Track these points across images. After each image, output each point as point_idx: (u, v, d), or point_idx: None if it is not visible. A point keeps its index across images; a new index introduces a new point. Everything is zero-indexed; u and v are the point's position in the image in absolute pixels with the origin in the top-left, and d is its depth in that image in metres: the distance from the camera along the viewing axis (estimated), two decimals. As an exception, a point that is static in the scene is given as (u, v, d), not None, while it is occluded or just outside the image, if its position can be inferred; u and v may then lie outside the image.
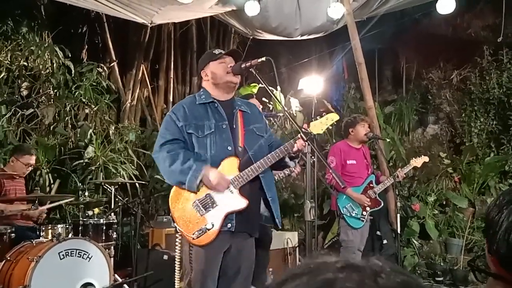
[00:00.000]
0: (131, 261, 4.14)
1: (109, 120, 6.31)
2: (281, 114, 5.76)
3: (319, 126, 2.33)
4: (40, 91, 5.76)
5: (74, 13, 6.39)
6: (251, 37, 6.27)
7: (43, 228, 3.52)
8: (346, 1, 5.22)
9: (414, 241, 5.21)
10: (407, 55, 8.01)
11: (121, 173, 5.59)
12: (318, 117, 2.39)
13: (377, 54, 7.88)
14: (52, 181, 5.21)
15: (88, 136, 5.72)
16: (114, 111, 6.70)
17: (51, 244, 3.18)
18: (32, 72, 5.77)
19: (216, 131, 2.30)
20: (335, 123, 2.48)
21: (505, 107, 6.27)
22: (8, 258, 3.21)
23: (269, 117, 5.15)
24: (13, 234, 3.41)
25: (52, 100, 5.78)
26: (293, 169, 4.36)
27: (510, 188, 1.28)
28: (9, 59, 5.54)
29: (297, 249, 4.69)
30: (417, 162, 4.25)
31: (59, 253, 3.18)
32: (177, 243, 2.36)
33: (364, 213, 4.05)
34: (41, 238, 3.44)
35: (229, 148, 2.30)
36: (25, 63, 5.70)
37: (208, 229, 2.19)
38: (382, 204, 4.21)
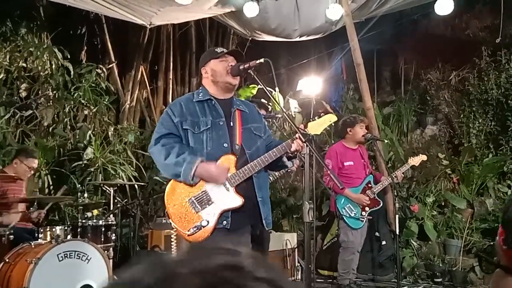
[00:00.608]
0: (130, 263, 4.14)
1: (108, 121, 6.31)
2: (280, 115, 5.77)
3: (317, 127, 2.34)
4: (39, 92, 5.76)
5: (73, 14, 6.39)
6: (250, 38, 6.28)
7: (42, 230, 3.51)
8: (344, 2, 5.23)
9: (413, 242, 5.21)
10: (405, 56, 8.02)
11: (120, 175, 5.59)
12: (316, 118, 2.40)
13: (376, 55, 7.89)
14: (51, 183, 5.21)
15: (87, 138, 5.72)
16: (113, 112, 6.70)
17: (50, 245, 3.17)
18: (31, 74, 5.77)
19: (213, 127, 2.31)
20: (333, 124, 2.48)
21: (503, 108, 6.28)
22: (7, 260, 3.21)
23: (268, 118, 5.16)
24: (11, 236, 3.41)
25: (51, 101, 5.78)
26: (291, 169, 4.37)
27: None
28: (8, 60, 5.54)
29: (296, 250, 4.69)
30: (415, 160, 4.26)
31: (57, 255, 3.18)
32: (173, 240, 2.37)
33: (363, 213, 4.06)
34: (39, 240, 3.43)
35: (225, 145, 2.30)
36: (24, 65, 5.70)
37: (203, 226, 2.20)
38: (381, 204, 4.22)
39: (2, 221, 3.62)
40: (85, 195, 4.12)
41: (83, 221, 3.78)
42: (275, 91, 2.39)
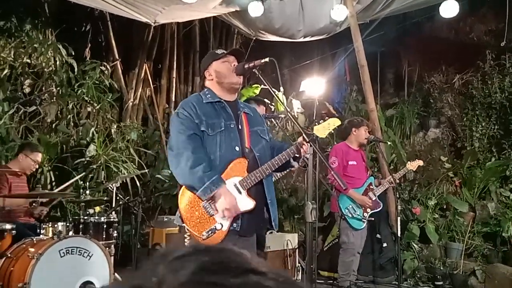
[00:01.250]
0: (131, 260, 4.15)
1: (111, 118, 6.32)
2: (282, 115, 5.77)
3: (322, 131, 2.34)
4: (43, 88, 5.78)
5: (78, 11, 6.41)
6: (254, 38, 6.28)
7: (44, 226, 3.52)
8: (349, 3, 5.23)
9: (414, 245, 5.20)
10: (409, 58, 8.01)
11: (123, 172, 5.60)
12: (321, 121, 2.40)
13: (379, 57, 7.88)
14: (53, 179, 5.22)
15: (90, 135, 5.73)
16: (116, 109, 6.71)
17: (52, 241, 3.18)
18: (35, 70, 5.79)
19: (226, 130, 2.29)
20: (337, 127, 2.49)
21: (507, 112, 6.27)
22: (9, 255, 3.21)
23: (270, 118, 5.15)
24: (14, 231, 3.42)
25: (54, 98, 5.79)
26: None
27: None
28: (12, 56, 5.56)
29: (297, 250, 4.70)
30: (413, 165, 4.28)
31: (59, 251, 3.18)
32: (186, 244, 2.36)
33: (365, 214, 4.07)
34: (41, 235, 3.44)
35: (237, 148, 2.29)
36: (28, 61, 5.71)
37: (218, 230, 2.20)
38: (382, 206, 4.23)
39: (4, 203, 3.65)
40: (87, 192, 4.13)
41: (85, 217, 3.78)
42: (279, 91, 2.37)
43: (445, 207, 5.63)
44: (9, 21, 5.73)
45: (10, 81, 5.56)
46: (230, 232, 2.22)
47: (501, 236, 5.09)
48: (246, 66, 2.32)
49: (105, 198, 4.78)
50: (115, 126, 6.22)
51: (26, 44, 5.73)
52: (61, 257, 3.19)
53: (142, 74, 7.16)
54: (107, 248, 3.56)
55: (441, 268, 4.94)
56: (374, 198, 4.13)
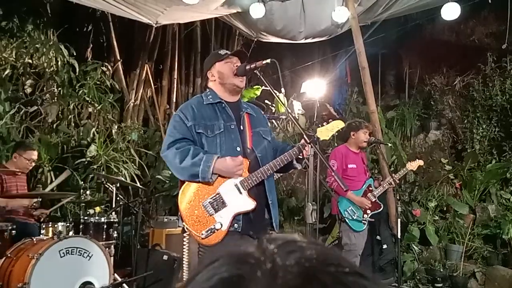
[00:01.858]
0: (130, 261, 4.14)
1: (112, 119, 6.33)
2: (283, 117, 5.77)
3: (325, 133, 2.34)
4: (44, 89, 5.79)
5: (79, 12, 6.43)
6: (255, 39, 6.28)
7: (44, 226, 3.52)
8: (351, 5, 5.23)
9: (414, 247, 5.20)
10: (410, 60, 8.01)
11: (123, 173, 5.60)
12: (324, 123, 2.40)
13: (380, 59, 7.89)
14: (54, 179, 5.23)
15: (91, 135, 5.74)
16: (117, 110, 6.72)
17: (52, 241, 3.18)
18: (37, 70, 5.80)
19: (225, 131, 2.30)
20: (341, 129, 2.49)
21: (507, 114, 6.27)
22: (9, 255, 3.21)
23: (271, 119, 5.15)
24: (14, 231, 3.42)
25: (55, 98, 5.80)
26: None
27: None
28: (14, 56, 5.57)
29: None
30: (413, 165, 4.28)
31: (59, 251, 3.18)
32: (185, 243, 2.36)
33: (365, 215, 4.07)
34: (41, 235, 3.45)
35: (238, 149, 2.30)
36: (30, 61, 5.72)
37: (217, 229, 2.21)
38: (382, 207, 4.22)
39: (7, 205, 3.65)
40: (88, 192, 4.13)
41: (85, 218, 3.78)
42: (280, 92, 2.38)
43: (445, 209, 5.63)
44: (11, 21, 5.75)
45: (11, 81, 5.57)
46: (230, 233, 2.22)
47: (501, 238, 5.09)
48: (247, 67, 2.33)
49: (106, 199, 4.79)
50: (116, 127, 6.23)
51: (27, 44, 5.74)
52: (61, 257, 3.19)
53: (143, 75, 7.17)
54: (107, 249, 3.56)
55: (441, 270, 4.94)
56: (374, 200, 4.13)
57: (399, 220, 3.93)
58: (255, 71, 2.33)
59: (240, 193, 2.25)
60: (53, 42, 6.02)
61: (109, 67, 6.75)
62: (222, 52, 2.43)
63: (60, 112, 5.81)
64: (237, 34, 7.66)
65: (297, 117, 6.45)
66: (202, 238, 2.20)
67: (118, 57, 6.95)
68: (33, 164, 4.15)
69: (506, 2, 5.24)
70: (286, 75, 8.02)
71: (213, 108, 2.36)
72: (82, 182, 5.15)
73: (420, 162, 4.31)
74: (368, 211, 4.08)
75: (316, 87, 6.86)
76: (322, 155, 2.24)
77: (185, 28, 7.41)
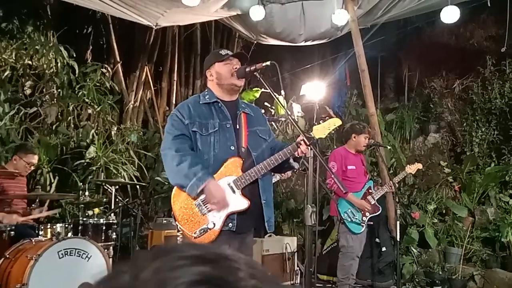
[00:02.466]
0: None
1: (111, 121, 6.33)
2: (283, 119, 5.78)
3: (321, 131, 2.34)
4: (44, 90, 5.79)
5: (79, 13, 6.43)
6: (255, 42, 6.29)
7: (43, 227, 3.52)
8: (350, 8, 5.24)
9: (413, 249, 5.20)
10: (409, 63, 8.03)
11: (122, 174, 5.60)
12: (321, 121, 2.40)
13: (380, 62, 7.90)
14: (53, 180, 5.22)
15: (90, 136, 5.74)
16: (116, 112, 6.72)
17: (51, 243, 3.18)
18: (36, 71, 5.80)
19: (220, 130, 2.31)
20: (337, 128, 2.48)
21: (506, 117, 6.29)
22: (7, 256, 3.21)
23: (271, 122, 5.15)
24: (12, 232, 3.41)
25: (55, 99, 5.80)
26: (283, 174, 4.38)
27: None
28: (13, 58, 5.57)
29: (296, 254, 4.69)
30: (411, 169, 4.29)
31: (58, 252, 3.18)
32: (178, 242, 2.36)
33: (364, 218, 4.07)
34: (40, 236, 3.44)
35: (232, 147, 2.31)
36: (30, 62, 5.73)
37: (210, 229, 2.21)
38: (381, 210, 4.22)
39: (3, 220, 3.62)
40: (87, 193, 4.13)
41: (84, 219, 3.78)
42: (280, 94, 2.38)
43: (444, 211, 5.64)
44: (11, 23, 5.76)
45: (11, 83, 5.57)
46: (224, 232, 2.22)
47: (500, 241, 5.09)
48: (247, 69, 2.34)
49: (105, 200, 4.79)
50: (115, 128, 6.22)
51: (27, 46, 5.74)
52: (60, 258, 3.18)
53: (143, 77, 7.18)
54: (106, 250, 3.55)
55: (440, 273, 4.93)
56: (373, 202, 4.13)
57: (398, 222, 3.93)
58: (255, 73, 2.33)
59: (234, 192, 2.25)
60: (53, 43, 6.03)
61: (109, 68, 6.75)
62: (223, 52, 2.44)
63: (59, 114, 5.80)
64: (237, 37, 7.67)
65: (296, 120, 6.46)
66: (195, 238, 2.20)
67: (118, 59, 6.95)
68: (32, 168, 4.14)
69: (505, 6, 5.26)
70: (285, 77, 8.03)
71: (209, 107, 2.37)
72: (81, 184, 5.15)
73: (419, 166, 4.33)
74: (367, 214, 4.08)
75: (315, 89, 6.87)
76: (321, 158, 2.24)
77: (185, 30, 7.43)
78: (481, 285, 4.79)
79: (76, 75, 6.12)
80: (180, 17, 5.51)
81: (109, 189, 4.56)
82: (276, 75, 2.30)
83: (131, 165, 5.88)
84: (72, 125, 5.87)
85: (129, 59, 7.23)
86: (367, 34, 5.88)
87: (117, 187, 4.58)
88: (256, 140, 2.40)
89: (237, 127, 2.36)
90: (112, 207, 4.37)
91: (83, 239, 3.40)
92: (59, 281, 3.16)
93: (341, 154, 4.19)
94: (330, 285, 4.47)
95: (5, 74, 5.44)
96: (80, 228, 3.70)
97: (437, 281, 4.83)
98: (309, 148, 2.20)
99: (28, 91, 5.77)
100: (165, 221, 4.89)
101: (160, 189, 5.95)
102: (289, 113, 2.48)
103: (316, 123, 2.39)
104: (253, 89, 6.65)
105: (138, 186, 5.71)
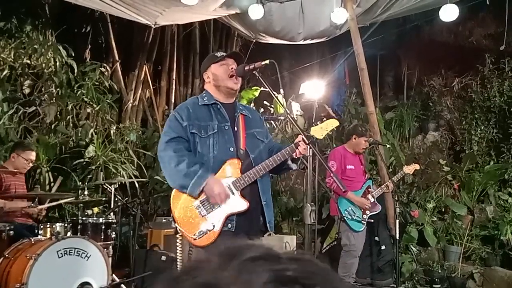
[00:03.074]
0: (129, 262, 4.14)
1: (110, 120, 6.32)
2: (282, 118, 5.78)
3: (319, 131, 2.34)
4: (43, 89, 5.78)
5: (78, 12, 6.42)
6: (254, 41, 6.28)
7: (42, 226, 3.52)
8: (349, 6, 5.24)
9: (412, 248, 5.21)
10: (408, 62, 8.03)
11: (121, 173, 5.60)
12: (318, 122, 2.40)
13: (379, 60, 7.90)
14: (52, 179, 5.22)
15: (89, 136, 5.73)
16: (115, 111, 6.70)
17: (50, 242, 3.18)
18: (35, 70, 5.79)
19: (219, 132, 2.32)
20: (335, 128, 2.48)
21: (505, 116, 6.29)
22: (6, 255, 3.21)
23: (270, 120, 5.15)
24: (11, 232, 3.41)
25: (54, 98, 5.79)
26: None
27: None
28: (12, 57, 5.56)
29: (295, 253, 4.69)
30: (409, 169, 4.31)
31: (57, 252, 3.18)
32: (178, 244, 2.36)
33: (365, 216, 4.08)
34: (39, 236, 3.44)
35: (231, 149, 2.31)
36: (28, 61, 5.71)
37: (209, 230, 2.21)
38: (381, 208, 4.24)
39: (4, 206, 3.64)
40: (86, 192, 4.12)
41: (83, 218, 3.78)
42: (279, 93, 2.38)
43: (443, 210, 5.64)
44: (9, 22, 5.73)
45: (10, 82, 5.55)
46: (224, 233, 2.22)
47: (499, 240, 5.10)
48: (246, 68, 2.34)
49: (104, 199, 4.78)
50: (114, 127, 6.21)
51: (26, 45, 5.73)
52: (59, 257, 3.18)
53: (142, 76, 7.16)
54: (105, 249, 3.55)
55: (439, 271, 4.94)
56: (372, 200, 4.15)
57: (397, 221, 3.94)
58: (254, 72, 2.33)
59: (233, 193, 2.25)
60: (52, 42, 6.01)
61: (108, 67, 6.74)
62: (218, 54, 2.45)
63: (58, 113, 5.79)
64: (235, 35, 7.66)
65: (295, 118, 6.45)
66: (195, 239, 2.20)
67: (117, 58, 6.94)
68: (31, 164, 4.14)
69: (504, 4, 5.26)
70: (285, 76, 8.02)
71: (208, 109, 2.37)
72: (80, 183, 5.14)
73: (416, 166, 4.35)
74: (367, 212, 4.10)
75: (314, 88, 6.87)
76: (321, 156, 2.24)
77: (183, 29, 7.41)
78: (480, 283, 4.80)
79: (75, 74, 6.11)
80: (179, 16, 5.50)
81: (108, 188, 4.56)
82: (275, 74, 2.31)
83: (130, 164, 5.87)
84: (71, 124, 5.86)
85: (128, 58, 7.21)
86: (366, 32, 5.87)
87: (116, 186, 4.57)
88: (254, 142, 2.41)
89: (235, 129, 2.37)
90: (112, 206, 4.37)
91: (83, 239, 3.40)
92: (59, 281, 3.16)
93: (341, 154, 4.20)
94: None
95: (4, 73, 5.42)
96: (79, 227, 3.70)
97: (436, 279, 4.84)
98: (309, 146, 2.20)
99: (26, 90, 5.76)
100: (165, 220, 4.89)
101: (160, 188, 5.94)
102: (288, 111, 2.48)
103: (314, 124, 2.39)
104: (252, 88, 6.65)
105: (137, 186, 5.70)
